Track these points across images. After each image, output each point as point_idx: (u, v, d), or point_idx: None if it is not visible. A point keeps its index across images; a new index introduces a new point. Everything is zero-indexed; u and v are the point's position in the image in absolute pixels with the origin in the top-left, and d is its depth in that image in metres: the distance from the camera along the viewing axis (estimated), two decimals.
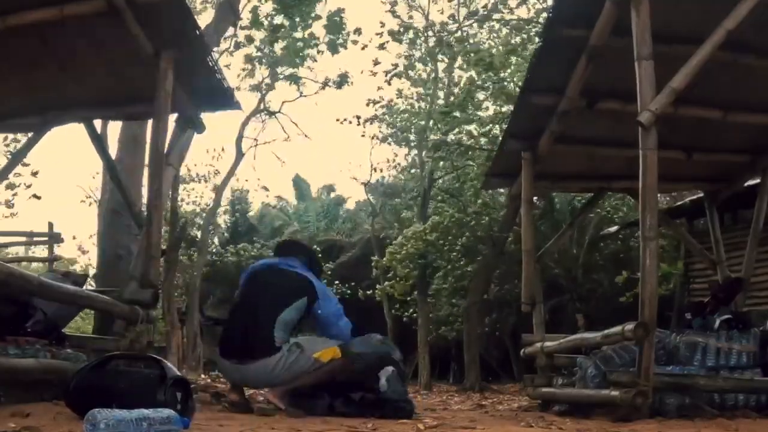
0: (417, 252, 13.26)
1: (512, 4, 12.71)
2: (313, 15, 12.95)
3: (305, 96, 15.97)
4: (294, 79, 15.25)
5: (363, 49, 14.03)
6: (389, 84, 14.05)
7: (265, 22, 12.53)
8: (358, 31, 13.91)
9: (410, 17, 14.71)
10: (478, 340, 12.35)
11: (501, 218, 12.13)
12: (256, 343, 4.29)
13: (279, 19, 12.63)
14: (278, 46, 13.59)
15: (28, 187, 12.13)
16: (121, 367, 3.17)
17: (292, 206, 25.20)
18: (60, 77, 5.02)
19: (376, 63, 14.08)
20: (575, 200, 12.75)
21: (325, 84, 15.48)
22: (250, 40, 13.04)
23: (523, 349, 6.15)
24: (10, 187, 11.93)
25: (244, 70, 14.52)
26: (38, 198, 12.12)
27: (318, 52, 13.71)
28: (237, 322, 4.49)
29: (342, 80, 15.17)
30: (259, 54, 13.66)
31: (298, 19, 12.67)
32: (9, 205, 12.64)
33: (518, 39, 11.91)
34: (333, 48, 13.71)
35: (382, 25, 13.90)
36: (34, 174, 11.74)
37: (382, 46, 13.77)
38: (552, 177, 6.56)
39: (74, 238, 25.89)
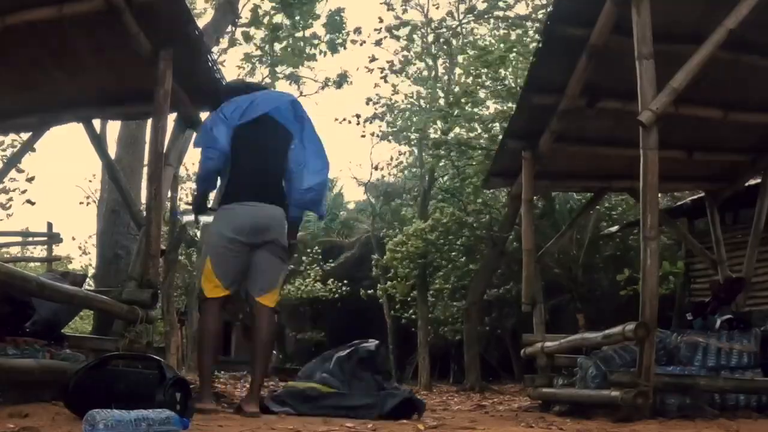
0: (417, 251, 13.25)
1: (510, 0, 12.72)
2: (314, 14, 12.93)
3: (305, 95, 15.99)
4: (294, 79, 15.25)
5: (361, 44, 13.98)
6: (386, 81, 14.03)
7: (265, 21, 12.50)
8: (358, 30, 13.91)
9: (404, 11, 14.71)
10: (478, 340, 12.35)
11: (501, 218, 12.13)
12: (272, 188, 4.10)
13: (279, 18, 12.60)
14: (278, 46, 13.57)
15: (23, 192, 12.16)
16: (120, 368, 3.17)
17: None
18: (59, 77, 5.01)
19: (372, 60, 14.06)
20: (575, 198, 12.75)
21: (325, 84, 15.50)
22: (247, 38, 13.01)
23: (524, 349, 6.14)
24: (5, 191, 11.95)
25: (241, 68, 14.51)
26: (32, 204, 12.16)
27: (320, 52, 13.69)
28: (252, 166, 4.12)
29: (342, 80, 15.17)
30: (258, 53, 13.63)
31: (298, 17, 12.63)
32: (5, 207, 12.65)
33: (514, 35, 11.90)
34: (333, 48, 13.71)
35: (381, 20, 13.88)
36: (30, 180, 11.74)
37: (378, 43, 13.75)
38: (552, 176, 6.56)
39: (74, 239, 25.92)
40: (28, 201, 12.18)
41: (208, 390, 4.09)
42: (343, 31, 13.69)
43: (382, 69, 13.81)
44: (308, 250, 18.22)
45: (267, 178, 4.15)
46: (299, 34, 13.21)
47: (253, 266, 4.08)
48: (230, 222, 4.05)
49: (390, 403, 4.28)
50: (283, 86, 15.54)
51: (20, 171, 10.66)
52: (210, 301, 4.09)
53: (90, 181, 13.38)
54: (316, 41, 13.50)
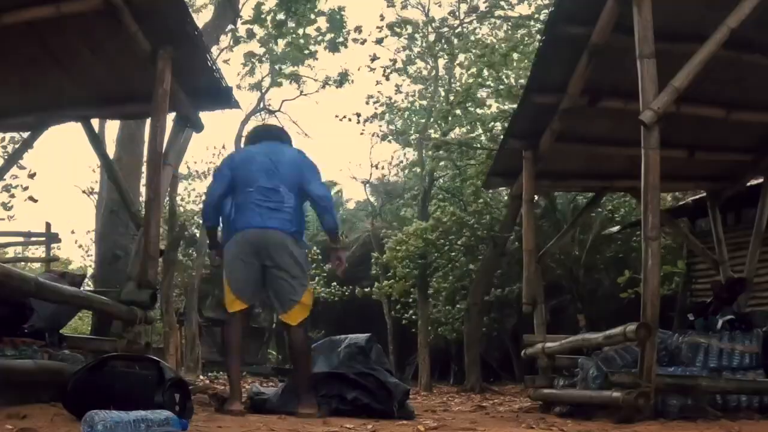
0: (417, 251, 13.23)
1: (513, 0, 12.72)
2: (316, 11, 12.92)
3: (305, 95, 15.98)
4: (294, 78, 15.24)
5: (362, 43, 13.95)
6: (387, 79, 14.00)
7: (268, 19, 12.49)
8: (358, 29, 13.89)
9: (404, 7, 14.66)
10: (478, 340, 12.33)
11: (502, 218, 12.11)
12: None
13: (281, 16, 12.59)
14: (281, 43, 13.56)
15: (25, 189, 12.15)
16: (119, 369, 3.16)
17: None
18: (57, 76, 4.99)
19: (374, 59, 14.02)
20: (577, 198, 12.73)
21: (325, 83, 15.48)
22: (251, 35, 12.99)
23: (525, 349, 6.12)
24: (7, 189, 11.94)
25: (244, 65, 14.49)
26: (34, 201, 12.15)
27: (319, 44, 13.65)
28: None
29: (342, 79, 15.15)
30: (262, 49, 13.61)
31: (302, 16, 12.62)
32: (6, 207, 12.63)
33: (519, 35, 11.89)
34: (333, 47, 13.69)
35: (382, 18, 13.85)
36: (31, 176, 11.73)
37: (380, 41, 13.71)
38: (553, 176, 6.53)
39: (73, 232, 25.77)
40: (31, 198, 12.17)
41: (237, 394, 4.38)
42: (344, 30, 13.68)
43: (384, 68, 13.78)
44: (305, 251, 18.17)
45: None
46: (300, 31, 13.20)
47: (269, 288, 4.43)
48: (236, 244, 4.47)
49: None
50: (283, 85, 15.60)
51: (22, 168, 10.64)
52: (231, 314, 4.44)
53: (96, 182, 13.43)
54: (318, 37, 13.48)
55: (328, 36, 13.55)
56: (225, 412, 4.11)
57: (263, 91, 15.52)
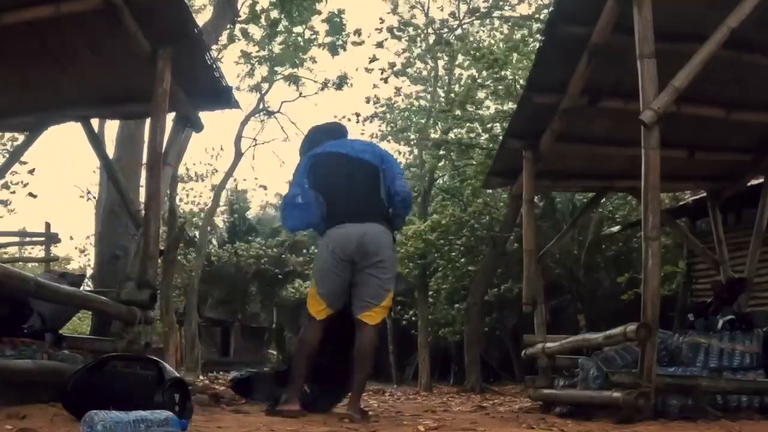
0: (417, 251, 13.23)
1: (513, 0, 12.73)
2: (314, 8, 12.92)
3: (305, 96, 16.00)
4: (293, 80, 15.28)
5: (361, 44, 13.98)
6: (386, 82, 14.01)
7: (263, 17, 12.49)
8: (358, 32, 13.92)
9: (412, 16, 14.68)
10: (478, 341, 12.34)
11: (502, 218, 12.12)
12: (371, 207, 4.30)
13: (275, 14, 12.60)
14: (277, 42, 13.56)
15: (25, 185, 12.17)
16: (119, 369, 3.16)
17: None
18: (57, 76, 4.98)
19: (372, 60, 14.03)
20: (575, 198, 12.74)
21: (324, 85, 15.51)
22: (246, 34, 13.00)
23: (525, 350, 6.11)
24: (6, 186, 11.96)
25: (237, 62, 14.50)
26: (34, 196, 12.17)
27: (319, 47, 13.63)
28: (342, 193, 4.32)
29: (342, 81, 15.18)
30: (256, 48, 13.61)
31: (296, 14, 12.62)
32: (7, 203, 12.66)
33: (519, 36, 11.91)
34: (333, 50, 13.72)
35: (382, 21, 13.87)
36: (31, 172, 11.75)
37: (380, 44, 13.74)
38: (553, 176, 6.52)
39: (71, 238, 25.78)
40: (30, 194, 12.20)
41: (298, 394, 4.22)
42: (343, 33, 13.71)
43: (383, 70, 13.79)
44: (303, 251, 18.22)
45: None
46: (298, 30, 13.21)
47: (355, 284, 4.26)
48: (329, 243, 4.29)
49: None
50: (282, 87, 15.64)
51: (23, 163, 10.68)
52: (316, 320, 4.30)
53: (96, 184, 13.48)
54: (315, 38, 13.49)
55: (327, 39, 13.56)
56: (276, 413, 3.98)
57: (263, 92, 15.56)
